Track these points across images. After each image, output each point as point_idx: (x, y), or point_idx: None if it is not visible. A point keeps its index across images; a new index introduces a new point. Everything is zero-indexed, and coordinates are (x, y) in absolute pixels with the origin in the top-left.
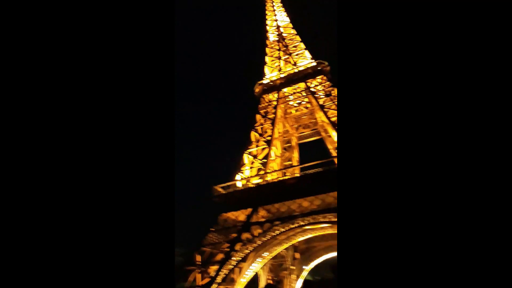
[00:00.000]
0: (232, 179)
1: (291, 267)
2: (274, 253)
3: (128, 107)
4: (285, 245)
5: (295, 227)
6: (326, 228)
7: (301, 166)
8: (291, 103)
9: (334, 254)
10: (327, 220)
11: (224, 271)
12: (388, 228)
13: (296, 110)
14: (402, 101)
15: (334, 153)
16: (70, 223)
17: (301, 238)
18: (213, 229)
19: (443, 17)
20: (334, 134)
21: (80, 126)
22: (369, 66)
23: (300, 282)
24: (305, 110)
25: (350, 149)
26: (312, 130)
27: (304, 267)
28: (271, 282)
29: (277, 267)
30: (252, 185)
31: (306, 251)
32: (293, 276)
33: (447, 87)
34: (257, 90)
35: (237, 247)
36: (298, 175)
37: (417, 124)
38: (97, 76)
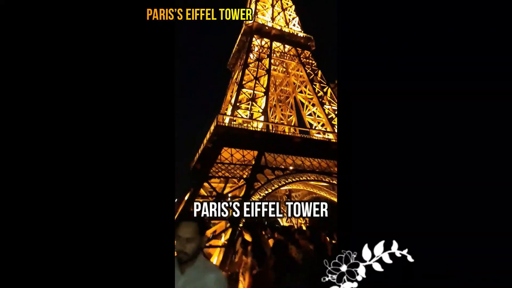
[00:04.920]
0: (226, 113)
1: None
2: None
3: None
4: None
5: (304, 180)
6: (317, 187)
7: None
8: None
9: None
10: (327, 180)
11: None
12: (388, 228)
13: (274, 70)
14: (404, 101)
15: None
16: (66, 220)
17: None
18: (219, 161)
19: (444, 15)
20: (314, 109)
21: (74, 119)
22: (370, 65)
23: None
24: (280, 74)
25: (350, 149)
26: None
27: None
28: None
29: None
30: (260, 129)
31: None
32: None
33: (448, 86)
34: (250, 24)
35: (256, 186)
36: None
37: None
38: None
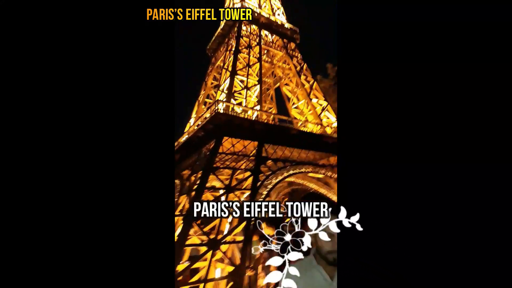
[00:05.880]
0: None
1: None
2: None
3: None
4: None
5: (304, 171)
6: (308, 178)
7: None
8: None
9: None
10: (323, 172)
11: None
12: (388, 227)
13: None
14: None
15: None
16: (66, 219)
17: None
18: (221, 152)
19: (446, 16)
20: (302, 102)
21: (74, 119)
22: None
23: None
24: (266, 65)
25: (350, 147)
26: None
27: None
28: None
29: None
30: (259, 119)
31: None
32: None
33: (449, 84)
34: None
35: (261, 177)
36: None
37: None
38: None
